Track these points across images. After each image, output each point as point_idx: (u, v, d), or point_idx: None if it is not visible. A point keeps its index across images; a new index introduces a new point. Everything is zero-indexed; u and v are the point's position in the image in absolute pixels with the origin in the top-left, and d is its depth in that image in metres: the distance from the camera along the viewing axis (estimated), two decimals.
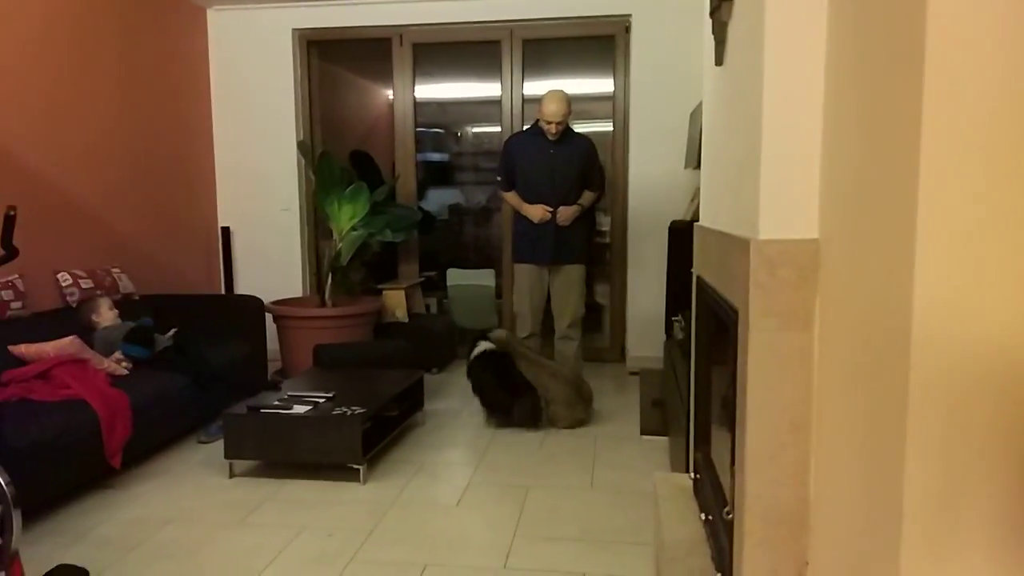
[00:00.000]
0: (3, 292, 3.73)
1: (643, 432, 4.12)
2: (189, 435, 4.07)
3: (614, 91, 5.60)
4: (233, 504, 3.24)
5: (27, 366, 3.56)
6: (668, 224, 4.48)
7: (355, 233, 5.29)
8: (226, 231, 5.88)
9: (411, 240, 5.93)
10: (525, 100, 5.71)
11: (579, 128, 4.72)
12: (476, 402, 4.39)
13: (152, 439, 3.72)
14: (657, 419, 4.20)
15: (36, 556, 2.68)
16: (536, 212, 4.51)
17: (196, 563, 2.73)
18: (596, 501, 3.25)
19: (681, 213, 5.03)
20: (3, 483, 2.38)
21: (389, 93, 6.03)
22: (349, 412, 3.47)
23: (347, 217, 5.25)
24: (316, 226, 6.03)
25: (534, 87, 5.74)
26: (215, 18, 5.80)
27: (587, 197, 4.63)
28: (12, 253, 2.58)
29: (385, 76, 5.96)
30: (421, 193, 6.34)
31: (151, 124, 5.17)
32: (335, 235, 5.32)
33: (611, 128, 5.65)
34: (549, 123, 4.35)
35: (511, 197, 4.65)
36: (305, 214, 5.96)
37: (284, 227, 5.93)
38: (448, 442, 4.05)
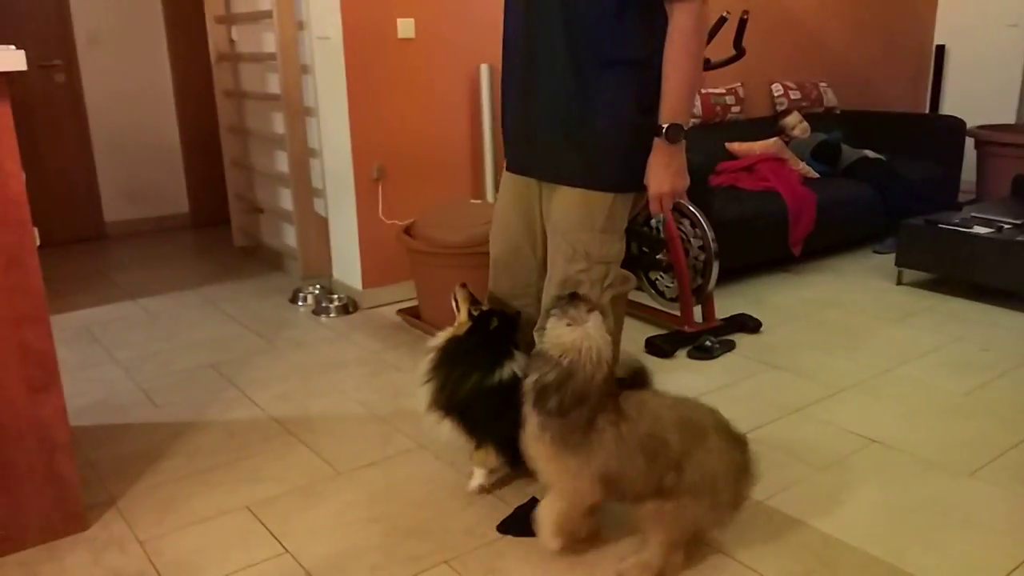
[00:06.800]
0: (727, 97, 4.42)
1: None
2: (863, 244, 4.30)
3: None
4: (893, 305, 3.42)
5: (736, 160, 4.23)
6: None
7: None
8: (940, 49, 5.58)
9: None
10: None
11: None
12: None
13: (829, 238, 4.08)
14: None
15: (722, 306, 3.34)
16: None
17: (847, 338, 3.07)
18: None
19: None
20: (711, 239, 3.05)
21: None
22: None
23: None
24: None
25: None
26: None
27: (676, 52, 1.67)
28: (740, 52, 3.05)
29: None
30: None
31: None
32: None
33: None
34: None
35: None
36: None
37: (1006, 45, 5.32)
38: None
